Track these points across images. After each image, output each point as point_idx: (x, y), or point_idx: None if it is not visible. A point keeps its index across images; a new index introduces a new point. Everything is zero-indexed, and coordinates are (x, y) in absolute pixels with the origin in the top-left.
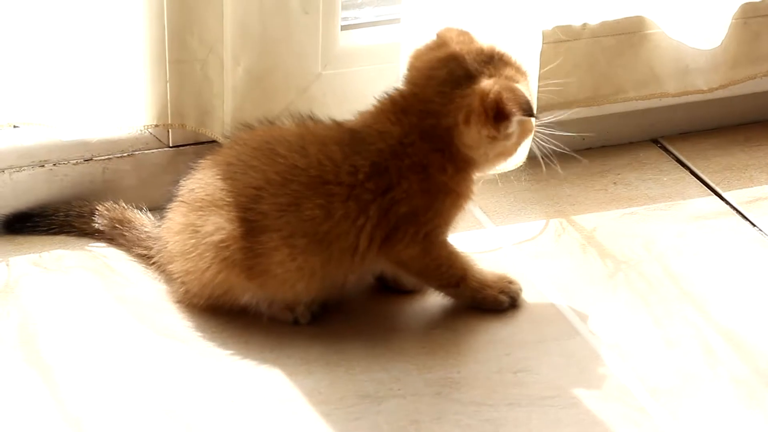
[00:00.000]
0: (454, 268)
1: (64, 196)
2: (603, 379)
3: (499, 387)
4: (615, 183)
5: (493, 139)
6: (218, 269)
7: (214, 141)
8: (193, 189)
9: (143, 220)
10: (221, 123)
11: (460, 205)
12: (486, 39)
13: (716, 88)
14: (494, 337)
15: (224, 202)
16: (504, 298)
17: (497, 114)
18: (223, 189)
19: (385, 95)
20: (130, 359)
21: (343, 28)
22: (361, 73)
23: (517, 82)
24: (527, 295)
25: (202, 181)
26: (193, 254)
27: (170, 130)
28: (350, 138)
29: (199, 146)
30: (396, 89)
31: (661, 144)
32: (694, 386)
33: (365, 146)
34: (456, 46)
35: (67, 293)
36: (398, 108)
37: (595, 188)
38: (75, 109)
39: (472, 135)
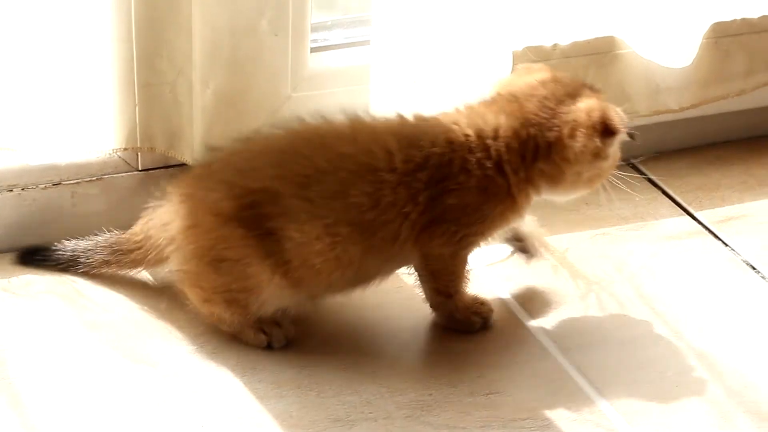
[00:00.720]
0: (458, 279)
1: (33, 221)
2: (575, 400)
3: (471, 409)
4: (587, 203)
5: (597, 155)
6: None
7: (183, 164)
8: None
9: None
10: (191, 146)
11: (508, 216)
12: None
13: (687, 108)
14: (466, 359)
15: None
16: (477, 319)
17: (604, 129)
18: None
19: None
20: (99, 385)
21: (313, 50)
22: (331, 96)
23: None
24: (499, 317)
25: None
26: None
27: (139, 154)
28: (411, 129)
29: (169, 169)
30: (489, 97)
31: (632, 164)
32: (667, 407)
33: (428, 138)
34: (549, 72)
35: (36, 319)
36: (495, 108)
37: (566, 209)
38: (43, 132)
39: (576, 149)
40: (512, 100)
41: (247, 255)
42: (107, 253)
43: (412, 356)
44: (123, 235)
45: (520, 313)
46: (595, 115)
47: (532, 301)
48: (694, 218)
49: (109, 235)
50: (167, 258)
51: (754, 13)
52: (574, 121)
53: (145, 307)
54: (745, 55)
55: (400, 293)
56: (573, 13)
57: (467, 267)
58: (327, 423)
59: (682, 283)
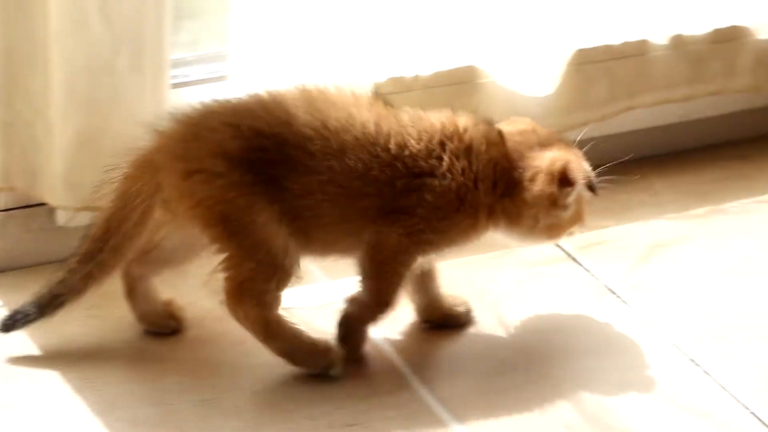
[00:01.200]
0: (393, 290)
1: None
2: (434, 429)
3: None
4: None
5: (553, 203)
6: None
7: (44, 204)
8: None
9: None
10: (51, 185)
11: (468, 233)
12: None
13: None
14: (326, 392)
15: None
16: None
17: (562, 179)
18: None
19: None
20: None
21: (175, 86)
22: None
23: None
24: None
25: None
26: None
27: (0, 194)
28: (414, 120)
29: (31, 209)
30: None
31: None
32: None
33: (426, 132)
34: (530, 125)
35: None
36: (488, 130)
37: None
38: None
39: (534, 194)
40: (497, 130)
41: (258, 201)
42: (82, 265)
43: (272, 390)
44: (86, 233)
45: (382, 343)
46: (557, 165)
47: (394, 331)
48: (556, 245)
49: (72, 252)
50: (151, 212)
51: (615, 40)
52: (537, 166)
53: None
54: (607, 82)
55: None
56: (434, 43)
57: (402, 280)
58: None
59: (544, 310)
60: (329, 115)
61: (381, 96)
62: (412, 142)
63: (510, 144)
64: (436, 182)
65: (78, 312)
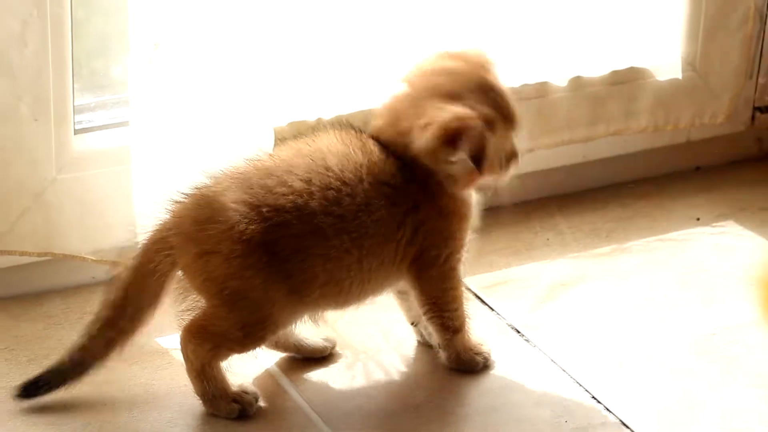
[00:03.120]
0: (460, 311)
1: None
2: None
3: None
4: None
5: (435, 157)
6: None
7: None
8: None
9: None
10: None
11: (463, 218)
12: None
13: None
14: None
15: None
16: (479, 359)
17: (450, 139)
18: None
19: None
20: None
21: (77, 132)
22: (96, 176)
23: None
24: (265, 388)
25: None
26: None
27: None
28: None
29: None
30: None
31: None
32: None
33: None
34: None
35: None
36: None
37: None
38: None
39: (418, 145)
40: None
41: (267, 280)
42: (104, 332)
43: (176, 424)
44: (105, 298)
45: (287, 385)
46: (452, 124)
47: (298, 372)
48: None
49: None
50: (168, 284)
51: (515, 82)
52: (432, 116)
53: None
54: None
55: (167, 370)
56: (336, 87)
57: (464, 298)
58: None
59: None
60: (342, 168)
61: (354, 128)
62: (404, 174)
63: (417, 91)
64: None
65: None
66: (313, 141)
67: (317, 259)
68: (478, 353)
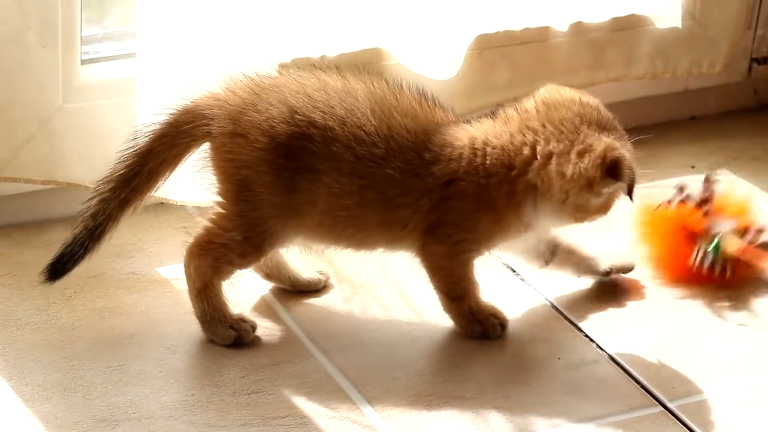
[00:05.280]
0: (462, 284)
1: None
2: (334, 399)
3: (232, 409)
4: None
5: (590, 186)
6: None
7: None
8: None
9: None
10: None
11: (501, 228)
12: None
13: None
14: (231, 361)
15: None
16: (494, 321)
17: (611, 169)
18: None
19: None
20: None
21: (84, 62)
22: (102, 107)
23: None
24: (264, 319)
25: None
26: None
27: None
28: (444, 127)
29: None
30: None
31: None
32: (423, 405)
33: (450, 140)
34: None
35: None
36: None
37: None
38: None
39: (576, 170)
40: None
41: (275, 184)
42: (118, 192)
43: (178, 358)
44: (119, 162)
45: (285, 316)
46: (613, 154)
47: (297, 305)
48: None
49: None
50: (192, 150)
51: (516, 26)
52: (591, 145)
53: None
54: (508, 67)
55: (168, 298)
56: (340, 25)
57: (473, 278)
58: (91, 423)
59: None
60: (384, 121)
61: (426, 96)
62: (443, 149)
63: (567, 114)
64: (460, 187)
65: None
66: (378, 86)
67: (323, 186)
68: (494, 315)
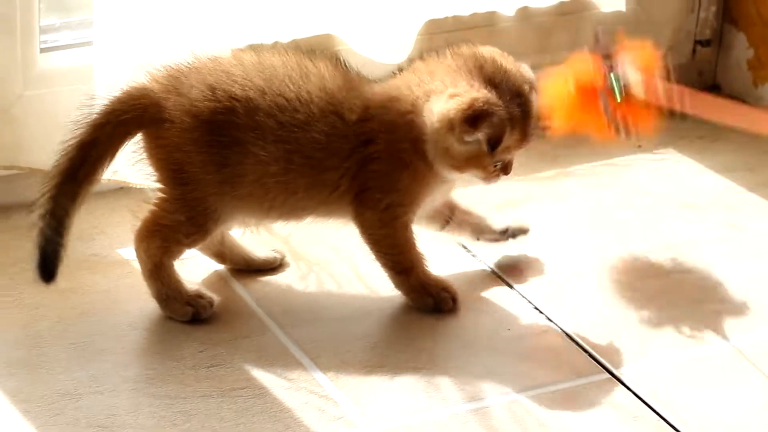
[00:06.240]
0: (405, 254)
1: None
2: (291, 371)
3: (192, 381)
4: None
5: (450, 129)
6: None
7: None
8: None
9: None
10: None
11: (420, 183)
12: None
13: None
14: (190, 336)
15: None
16: (446, 295)
17: (471, 118)
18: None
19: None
20: None
21: (43, 50)
22: (60, 93)
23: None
24: (222, 295)
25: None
26: None
27: None
28: (365, 90)
29: None
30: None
31: None
32: (376, 374)
33: (371, 101)
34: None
35: None
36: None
37: None
38: None
39: (439, 109)
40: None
41: (206, 161)
42: (63, 188)
43: (139, 334)
44: (60, 161)
45: (242, 292)
46: (479, 105)
47: (254, 282)
48: None
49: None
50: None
51: (464, 11)
52: (464, 92)
53: None
54: None
55: (128, 279)
56: (292, 11)
57: (414, 243)
58: (56, 397)
59: None
60: (302, 87)
61: (341, 61)
62: (361, 109)
63: (465, 65)
64: (376, 147)
65: None
66: (293, 56)
67: (250, 156)
68: (445, 289)
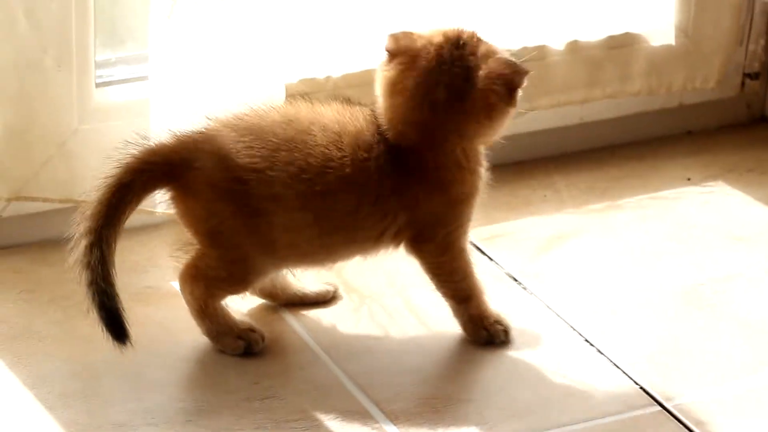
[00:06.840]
0: (465, 281)
1: None
2: (344, 403)
3: (246, 413)
4: None
5: (508, 82)
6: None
7: None
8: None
9: None
10: None
11: (460, 182)
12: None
13: None
14: (243, 368)
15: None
16: (499, 327)
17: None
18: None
19: None
20: None
21: (98, 85)
22: (115, 127)
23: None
24: (275, 328)
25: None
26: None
27: None
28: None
29: None
30: None
31: None
32: (431, 408)
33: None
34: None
35: None
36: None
37: None
38: None
39: (490, 68)
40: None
41: (234, 228)
42: (91, 248)
43: (191, 367)
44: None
45: (294, 324)
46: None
47: (305, 314)
48: None
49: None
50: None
51: (514, 45)
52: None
53: None
54: None
55: (182, 311)
56: (345, 46)
57: (473, 269)
58: (111, 428)
59: None
60: (312, 153)
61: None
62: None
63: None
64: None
65: (9, 294)
66: (305, 109)
67: (278, 226)
68: (498, 322)
